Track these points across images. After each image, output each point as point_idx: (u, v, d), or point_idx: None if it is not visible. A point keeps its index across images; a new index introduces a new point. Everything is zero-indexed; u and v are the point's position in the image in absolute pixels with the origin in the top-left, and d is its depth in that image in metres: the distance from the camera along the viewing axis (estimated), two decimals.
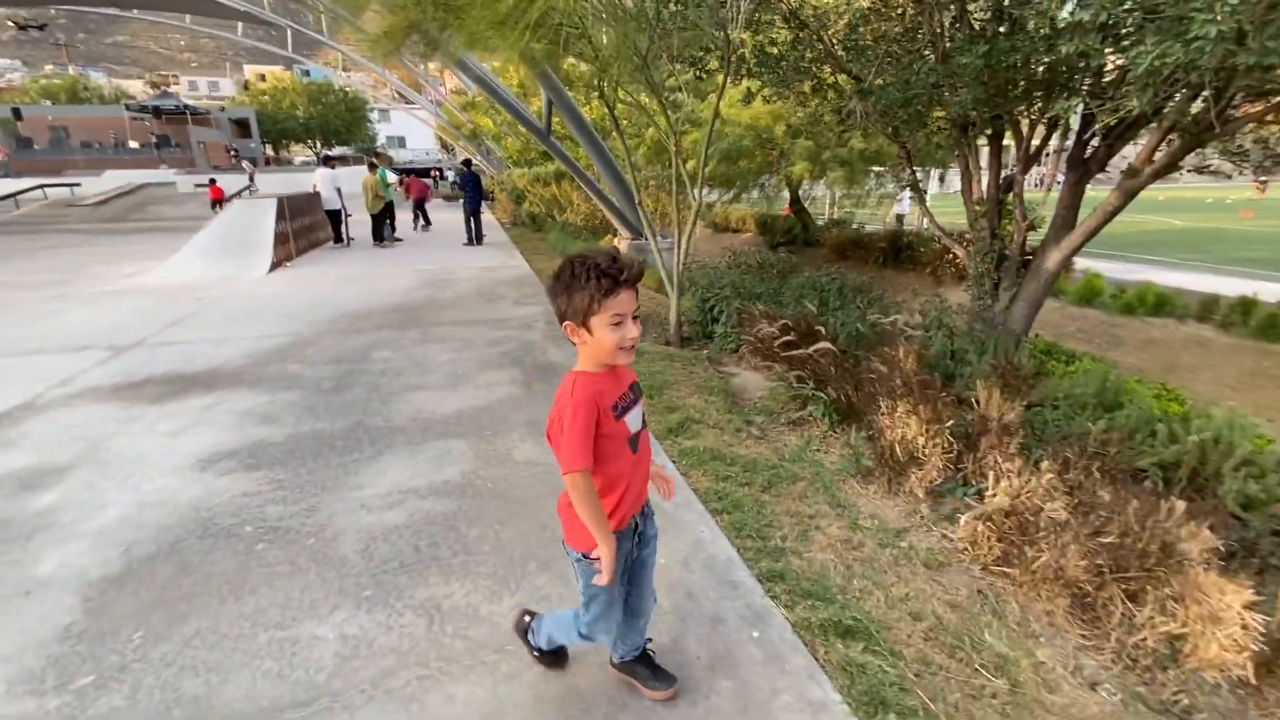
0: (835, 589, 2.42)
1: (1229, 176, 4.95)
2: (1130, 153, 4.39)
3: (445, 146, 50.25)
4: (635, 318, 1.47)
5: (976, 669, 2.09)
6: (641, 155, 11.13)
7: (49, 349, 5.61)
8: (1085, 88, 4.00)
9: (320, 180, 12.96)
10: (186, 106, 44.33)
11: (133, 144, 41.06)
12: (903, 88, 4.52)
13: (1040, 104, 4.38)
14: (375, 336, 5.95)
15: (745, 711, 1.84)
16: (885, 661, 2.05)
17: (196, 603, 2.28)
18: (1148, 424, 3.66)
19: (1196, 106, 3.52)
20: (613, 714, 1.82)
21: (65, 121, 41.35)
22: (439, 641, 2.09)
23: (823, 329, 4.82)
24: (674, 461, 3.43)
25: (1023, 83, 4.11)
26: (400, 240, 13.68)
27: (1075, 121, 4.60)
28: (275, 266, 9.99)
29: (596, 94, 6.24)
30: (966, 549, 2.74)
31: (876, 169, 11.59)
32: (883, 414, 3.48)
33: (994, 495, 2.76)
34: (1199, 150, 4.08)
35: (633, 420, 1.57)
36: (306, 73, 55.26)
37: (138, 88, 77.86)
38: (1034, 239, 5.11)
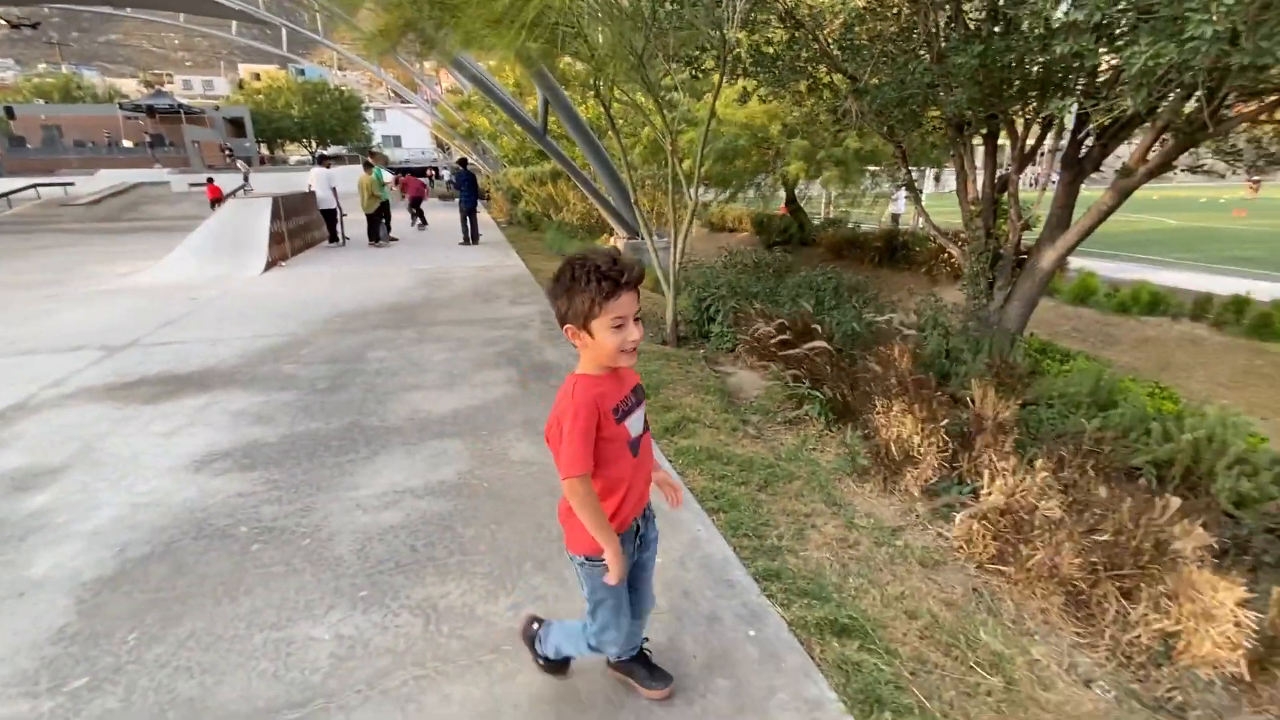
0: (831, 587, 2.43)
1: (1222, 176, 4.98)
2: (1124, 152, 4.42)
3: (441, 145, 50.20)
4: (637, 320, 1.45)
5: (971, 667, 2.10)
6: (637, 154, 11.12)
7: (42, 349, 5.58)
8: (1080, 87, 4.02)
9: (315, 180, 12.92)
10: (181, 105, 44.14)
11: (127, 143, 40.90)
12: (898, 87, 4.53)
13: (1035, 104, 4.40)
14: (371, 336, 5.93)
15: (741, 710, 1.84)
16: (881, 660, 2.05)
17: (191, 604, 2.27)
18: (1142, 422, 3.68)
19: (1190, 106, 3.54)
20: (610, 713, 1.82)
21: (58, 120, 41.16)
22: (435, 641, 2.08)
23: (818, 328, 4.83)
24: (670, 460, 3.43)
25: (1018, 82, 4.12)
26: (396, 240, 13.66)
27: (1070, 121, 4.61)
28: (270, 266, 9.96)
29: (592, 93, 6.23)
30: (962, 547, 2.75)
31: (872, 168, 11.61)
32: (878, 413, 3.50)
33: (989, 494, 2.77)
34: (1193, 150, 4.10)
35: (634, 424, 1.55)
36: (301, 72, 55.09)
37: (131, 87, 77.51)
38: (1029, 238, 5.13)
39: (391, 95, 51.56)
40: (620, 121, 8.11)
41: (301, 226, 12.13)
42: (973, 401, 3.53)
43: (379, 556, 2.55)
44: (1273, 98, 3.49)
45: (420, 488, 3.10)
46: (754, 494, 3.12)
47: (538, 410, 4.04)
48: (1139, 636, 2.20)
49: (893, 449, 3.32)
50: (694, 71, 5.67)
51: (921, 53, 4.75)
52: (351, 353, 5.38)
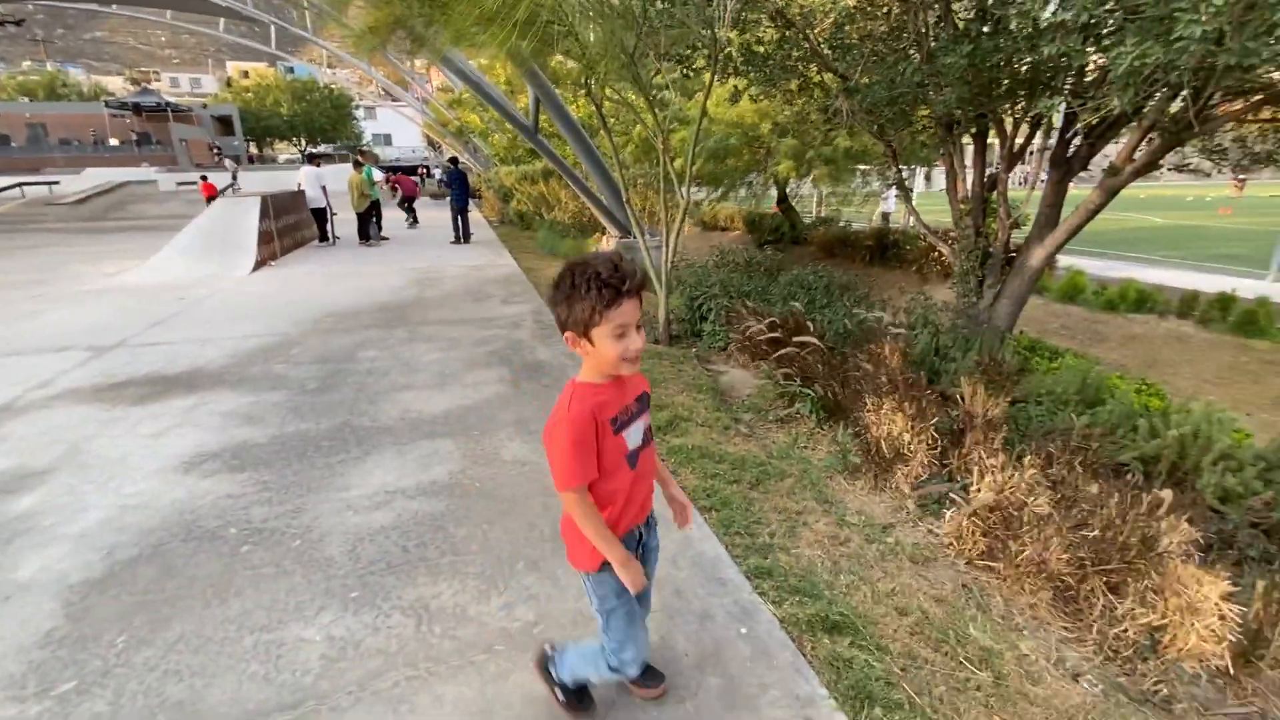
0: (822, 585, 2.44)
1: (1208, 175, 5.04)
2: (1112, 151, 4.45)
3: (432, 144, 49.97)
4: (639, 327, 1.40)
5: (961, 662, 2.12)
6: (629, 153, 11.13)
7: (28, 350, 5.52)
8: (1067, 87, 4.05)
9: (305, 178, 12.84)
10: (168, 103, 43.75)
11: (113, 141, 40.53)
12: (888, 86, 4.55)
13: (1023, 103, 4.42)
14: (362, 336, 5.91)
15: (733, 708, 1.84)
16: (872, 656, 2.07)
17: (180, 606, 2.26)
18: (1129, 419, 3.71)
19: (1176, 106, 3.57)
20: (602, 712, 1.82)
21: (43, 118, 40.74)
22: (427, 642, 2.08)
23: (810, 326, 4.84)
24: (662, 459, 3.43)
25: (1006, 82, 4.15)
26: (387, 239, 13.59)
27: (1058, 120, 4.65)
28: (259, 265, 9.89)
29: (584, 91, 6.22)
30: (952, 544, 2.77)
31: (862, 167, 11.66)
32: (869, 411, 3.51)
33: (978, 490, 2.79)
34: (1179, 149, 4.14)
35: (632, 436, 1.50)
36: (290, 69, 54.74)
37: (118, 84, 76.69)
38: (1018, 237, 5.16)
39: (382, 94, 51.26)
40: (612, 120, 8.11)
41: (291, 225, 12.04)
42: (962, 399, 3.55)
43: (370, 557, 2.54)
44: (1257, 97, 3.54)
45: (412, 488, 3.09)
46: (746, 492, 3.13)
47: (530, 409, 4.04)
48: (1126, 630, 2.23)
49: (883, 446, 3.34)
50: (685, 70, 5.67)
51: (911, 52, 4.77)
52: (342, 352, 5.35)
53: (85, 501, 2.98)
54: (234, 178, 26.39)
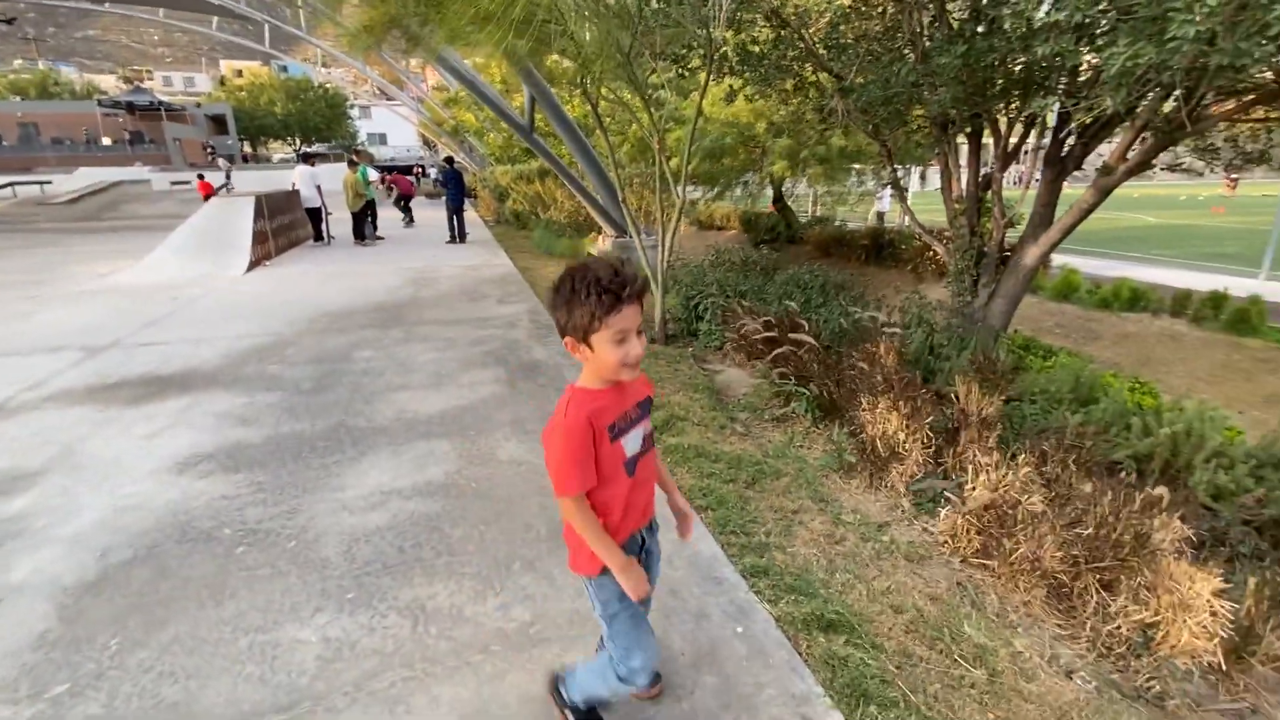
0: (818, 583, 2.45)
1: (1200, 174, 5.06)
2: (1105, 151, 4.48)
3: (427, 143, 49.79)
4: (639, 333, 1.37)
5: (956, 660, 2.13)
6: (625, 153, 11.11)
7: (21, 350, 5.48)
8: (1061, 87, 4.07)
9: (300, 178, 12.78)
10: (161, 102, 43.55)
11: (106, 140, 40.32)
12: (883, 86, 4.56)
13: (1018, 103, 4.45)
14: (357, 336, 5.89)
15: (729, 707, 1.85)
16: (867, 654, 2.07)
17: (175, 607, 2.25)
18: (1122, 417, 3.74)
19: (1169, 106, 3.59)
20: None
21: (35, 117, 40.49)
22: (423, 643, 2.08)
23: (806, 325, 4.85)
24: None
25: (1000, 82, 4.17)
26: (382, 239, 13.56)
27: (1052, 120, 4.67)
28: (254, 265, 9.84)
29: (580, 91, 6.21)
30: (947, 542, 2.78)
31: (856, 166, 11.67)
32: (864, 410, 3.52)
33: (973, 489, 2.80)
34: (1171, 148, 4.16)
35: (630, 442, 1.47)
36: (285, 68, 54.49)
37: (110, 83, 76.29)
38: (1012, 236, 5.19)
39: (377, 93, 51.05)
40: (608, 119, 8.10)
41: (285, 225, 11.99)
42: (957, 398, 3.57)
43: (366, 558, 2.53)
44: (1249, 97, 3.56)
45: (407, 488, 3.08)
46: (742, 491, 3.14)
47: (526, 409, 4.04)
48: (1119, 627, 2.24)
49: (878, 445, 3.35)
50: (681, 70, 5.67)
51: (906, 52, 4.79)
52: (337, 353, 5.34)
53: (79, 503, 2.97)
54: (228, 177, 26.28)
